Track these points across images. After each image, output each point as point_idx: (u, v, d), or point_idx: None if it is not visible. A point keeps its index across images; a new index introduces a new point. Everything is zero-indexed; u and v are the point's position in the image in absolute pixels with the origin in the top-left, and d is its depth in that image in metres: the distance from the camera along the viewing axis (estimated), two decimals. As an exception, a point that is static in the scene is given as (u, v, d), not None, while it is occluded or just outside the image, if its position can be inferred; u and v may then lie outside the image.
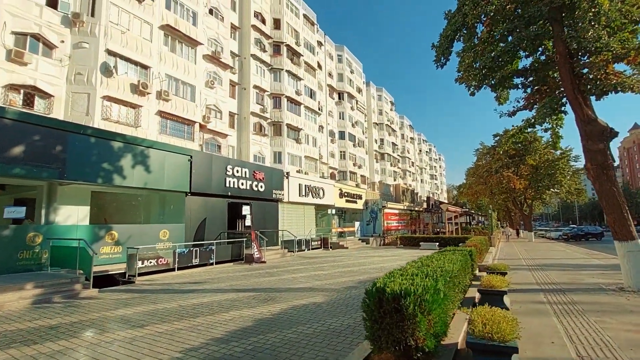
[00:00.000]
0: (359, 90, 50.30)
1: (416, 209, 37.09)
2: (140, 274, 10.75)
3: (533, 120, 10.71)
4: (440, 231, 30.67)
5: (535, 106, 10.77)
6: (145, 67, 19.80)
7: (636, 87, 8.26)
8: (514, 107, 11.56)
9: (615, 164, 10.96)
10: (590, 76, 8.98)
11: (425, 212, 39.84)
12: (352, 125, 46.10)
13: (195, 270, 12.74)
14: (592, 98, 9.64)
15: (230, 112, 27.58)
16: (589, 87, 9.10)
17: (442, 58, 10.63)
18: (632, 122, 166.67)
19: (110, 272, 10.33)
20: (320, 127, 39.70)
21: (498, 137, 35.42)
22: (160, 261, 11.62)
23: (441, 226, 37.82)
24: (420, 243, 20.86)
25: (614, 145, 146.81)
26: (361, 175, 46.79)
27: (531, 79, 11.00)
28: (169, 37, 21.60)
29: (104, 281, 10.04)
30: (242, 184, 18.40)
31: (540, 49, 10.46)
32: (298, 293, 8.49)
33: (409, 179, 69.97)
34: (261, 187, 19.66)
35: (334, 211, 24.88)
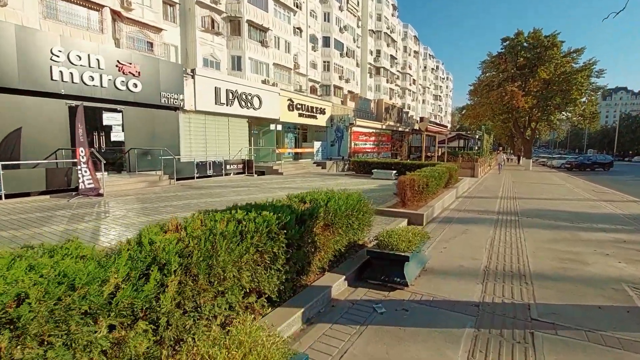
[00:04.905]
0: (352, -14, 42.00)
1: (400, 129, 32.52)
2: None
3: None
4: (420, 156, 26.61)
5: None
6: None
7: None
8: None
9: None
10: None
11: (413, 134, 35.43)
12: (340, 30, 39.22)
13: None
14: None
15: (167, -1, 21.81)
16: None
17: None
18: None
19: None
20: (298, 30, 33.38)
21: (507, 42, 29.12)
22: None
23: (432, 150, 33.75)
24: (373, 170, 16.47)
25: None
26: (349, 91, 41.39)
27: None
28: None
29: None
30: (92, 78, 12.17)
31: None
32: None
33: (408, 99, 63.93)
34: (136, 86, 13.48)
35: (279, 127, 20.02)
